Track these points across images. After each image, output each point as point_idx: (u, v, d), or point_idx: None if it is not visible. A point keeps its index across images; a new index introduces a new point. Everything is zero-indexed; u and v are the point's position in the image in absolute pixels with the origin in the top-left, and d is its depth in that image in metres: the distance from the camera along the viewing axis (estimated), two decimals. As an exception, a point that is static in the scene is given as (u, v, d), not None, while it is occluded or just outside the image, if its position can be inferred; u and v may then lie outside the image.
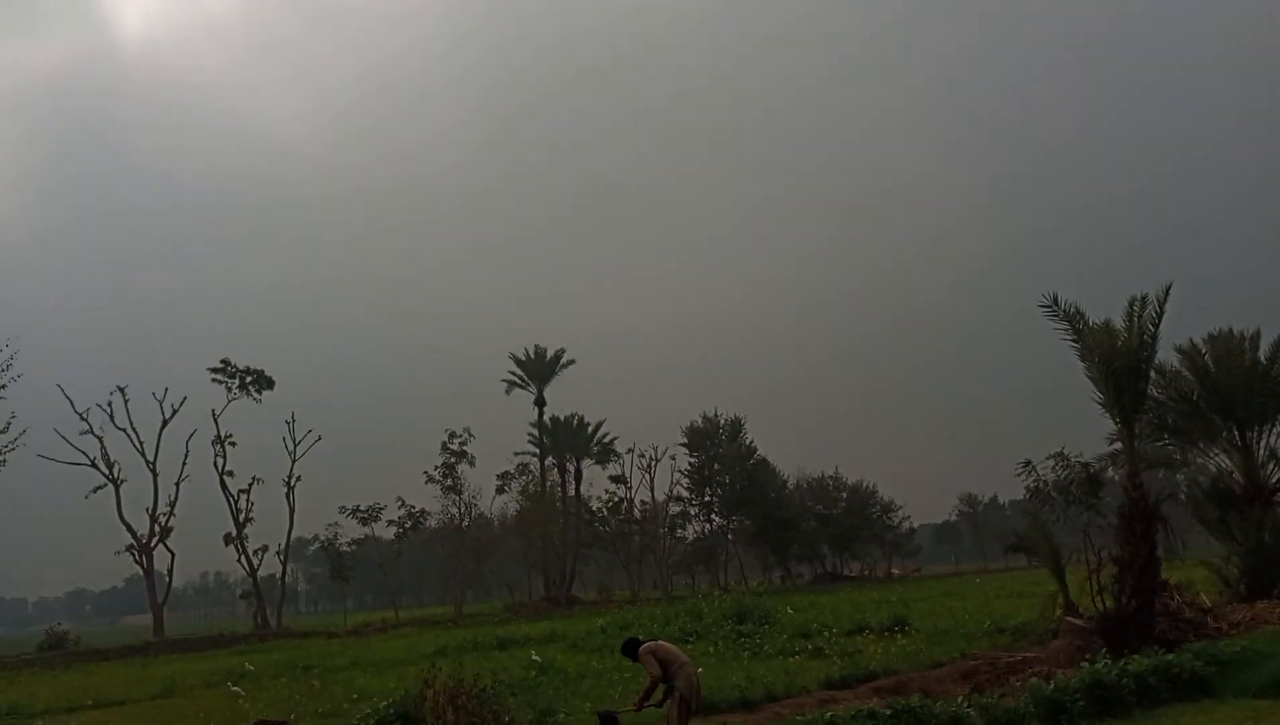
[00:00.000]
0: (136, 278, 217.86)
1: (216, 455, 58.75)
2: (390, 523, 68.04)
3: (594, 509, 78.02)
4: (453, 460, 67.00)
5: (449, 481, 67.05)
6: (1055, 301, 17.83)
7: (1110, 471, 23.49)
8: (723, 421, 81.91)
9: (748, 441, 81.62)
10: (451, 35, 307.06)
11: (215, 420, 58.78)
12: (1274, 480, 22.62)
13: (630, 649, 10.20)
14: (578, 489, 76.16)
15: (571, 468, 76.39)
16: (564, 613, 53.35)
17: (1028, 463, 21.75)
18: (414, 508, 68.17)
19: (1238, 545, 21.35)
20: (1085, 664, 12.18)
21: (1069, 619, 16.27)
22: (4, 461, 43.43)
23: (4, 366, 41.22)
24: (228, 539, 59.85)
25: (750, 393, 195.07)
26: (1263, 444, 22.76)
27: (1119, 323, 16.84)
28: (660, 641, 10.36)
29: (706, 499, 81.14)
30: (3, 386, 41.51)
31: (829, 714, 10.30)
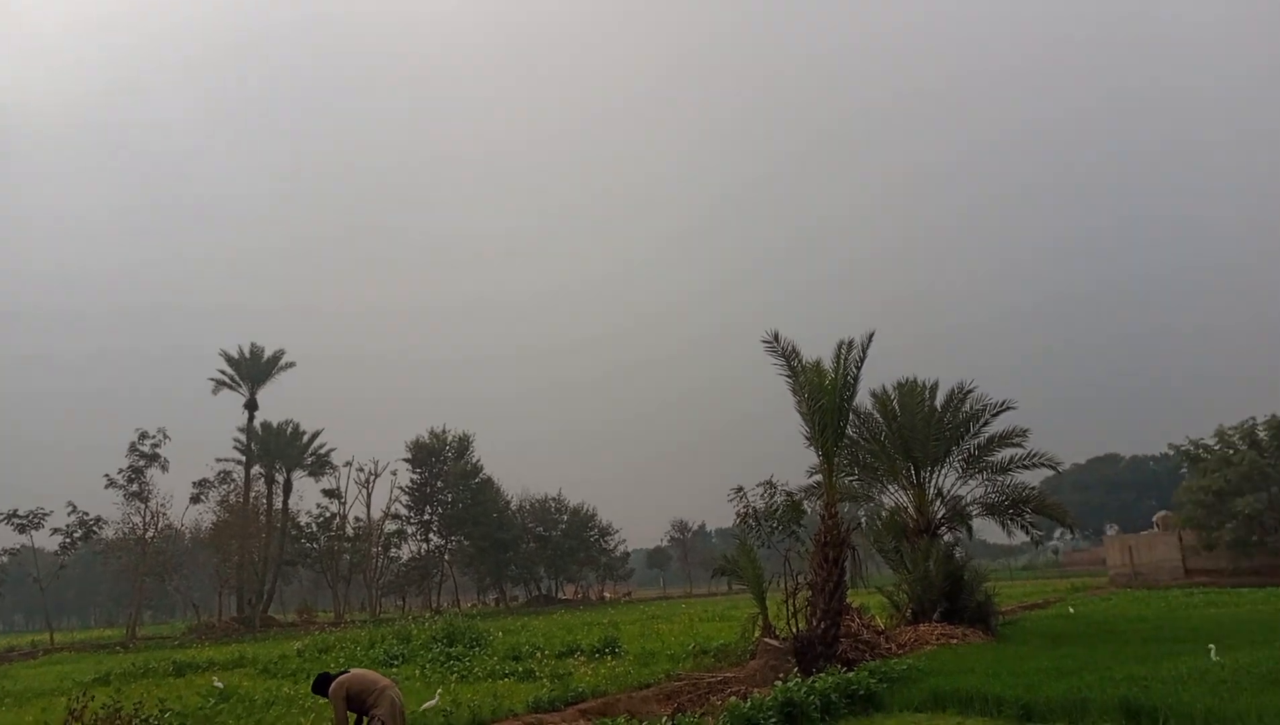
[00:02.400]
0: None
1: None
2: (56, 531, 59.25)
3: (302, 524, 72.99)
4: (141, 463, 59.83)
5: (135, 486, 59.71)
6: (776, 338, 18.83)
7: (808, 504, 25.33)
8: (450, 437, 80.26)
9: (474, 459, 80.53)
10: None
11: None
12: (940, 516, 25.53)
13: (322, 686, 9.26)
14: (285, 502, 71.00)
15: (281, 478, 71.15)
16: (258, 635, 49.23)
17: (739, 489, 22.88)
18: (87, 515, 59.89)
19: (907, 573, 23.77)
20: (779, 683, 12.87)
21: (766, 640, 17.20)
22: None
23: None
24: None
25: (479, 397, 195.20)
26: (933, 483, 25.64)
27: (828, 363, 18.08)
28: (354, 671, 9.38)
29: (426, 517, 78.75)
30: None
31: (535, 737, 10.00)
